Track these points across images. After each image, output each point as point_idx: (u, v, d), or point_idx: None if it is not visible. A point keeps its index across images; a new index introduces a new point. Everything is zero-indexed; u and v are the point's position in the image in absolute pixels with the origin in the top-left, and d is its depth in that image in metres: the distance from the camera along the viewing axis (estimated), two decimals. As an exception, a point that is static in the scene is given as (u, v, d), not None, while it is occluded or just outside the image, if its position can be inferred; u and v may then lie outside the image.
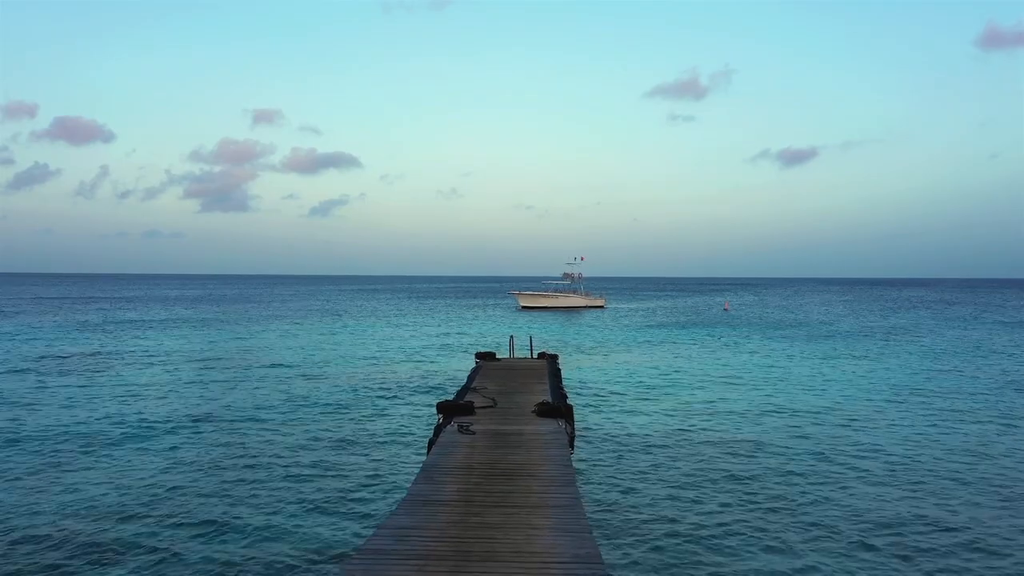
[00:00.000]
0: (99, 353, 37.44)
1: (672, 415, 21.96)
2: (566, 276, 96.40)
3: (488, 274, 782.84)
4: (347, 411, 22.24)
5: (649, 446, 17.75)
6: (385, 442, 18.14)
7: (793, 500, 13.65)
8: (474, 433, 13.56)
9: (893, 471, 15.81)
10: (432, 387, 27.11)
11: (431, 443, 13.58)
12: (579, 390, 26.08)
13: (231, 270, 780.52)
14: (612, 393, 25.98)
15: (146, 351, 38.85)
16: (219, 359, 35.74)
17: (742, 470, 15.72)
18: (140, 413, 21.70)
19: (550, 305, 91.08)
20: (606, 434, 19.05)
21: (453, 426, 14.11)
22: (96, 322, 60.16)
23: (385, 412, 22.11)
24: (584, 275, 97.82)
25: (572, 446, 14.77)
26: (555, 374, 22.07)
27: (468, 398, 17.52)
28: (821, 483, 14.84)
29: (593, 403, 23.79)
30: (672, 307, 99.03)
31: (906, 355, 39.47)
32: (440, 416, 15.37)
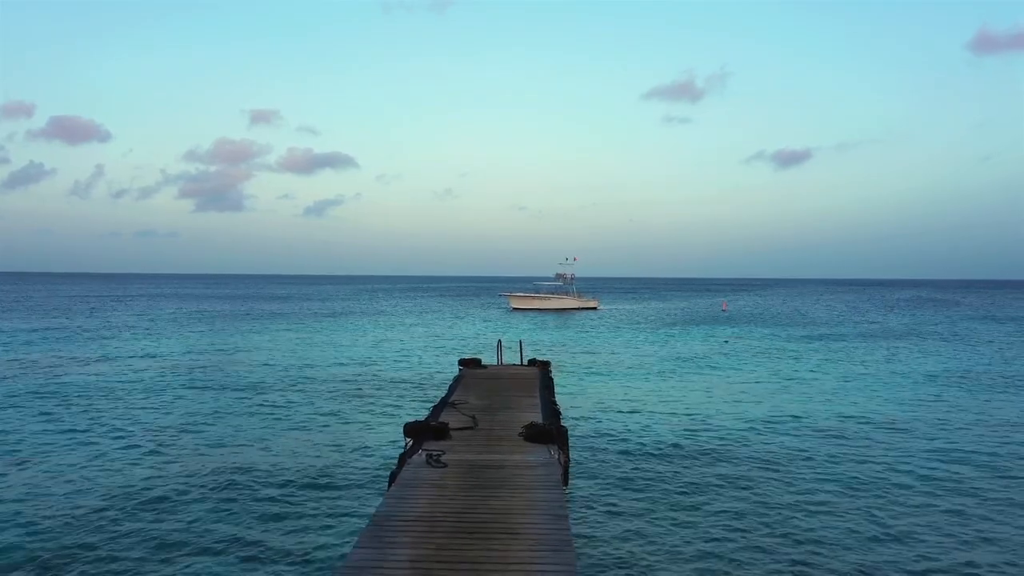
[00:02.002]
0: (62, 360, 34.76)
1: (681, 432, 19.43)
2: (559, 277, 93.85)
3: (486, 274, 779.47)
4: (305, 432, 19.36)
5: (660, 476, 15.20)
6: (340, 476, 14.99)
7: (854, 550, 11.13)
8: (445, 465, 11.01)
9: (936, 492, 13.32)
10: (409, 399, 24.49)
11: (393, 477, 11.02)
12: (573, 403, 23.54)
13: (226, 270, 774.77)
14: (611, 406, 23.46)
15: (109, 359, 36.18)
16: (188, 365, 33.09)
17: (788, 514, 13.16)
18: (81, 427, 19.08)
19: (542, 307, 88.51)
20: (607, 462, 16.45)
21: (421, 455, 11.55)
22: (70, 324, 57.35)
23: (349, 433, 19.25)
24: (576, 276, 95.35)
25: (566, 480, 12.25)
26: (547, 385, 19.51)
27: (444, 415, 14.97)
28: (889, 533, 12.32)
29: (589, 420, 21.24)
30: (668, 308, 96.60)
31: (926, 355, 37.09)
32: (407, 440, 12.82)
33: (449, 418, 14.55)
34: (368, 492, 13.69)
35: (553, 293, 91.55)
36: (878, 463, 16.28)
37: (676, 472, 15.30)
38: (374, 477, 14.69)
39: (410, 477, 10.41)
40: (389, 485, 10.82)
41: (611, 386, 27.53)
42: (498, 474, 10.57)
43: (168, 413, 21.53)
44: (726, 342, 47.02)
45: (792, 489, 14.11)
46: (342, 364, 33.83)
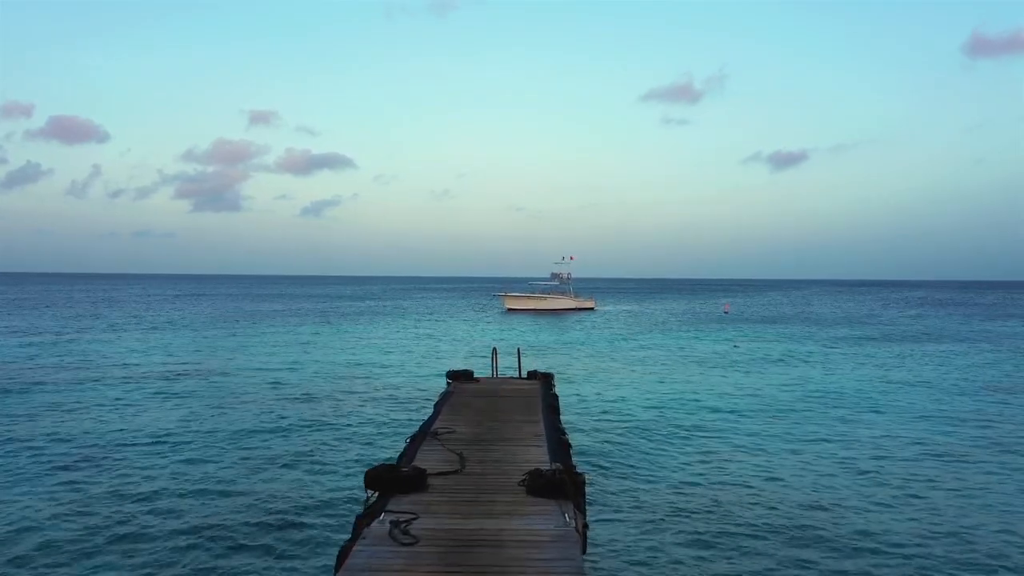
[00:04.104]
0: (35, 366, 31.43)
1: (710, 461, 16.27)
2: (554, 276, 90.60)
3: (484, 275, 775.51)
4: (243, 480, 14.89)
5: (695, 528, 12.00)
6: (274, 550, 11.09)
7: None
8: (416, 540, 7.78)
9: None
10: (385, 423, 20.79)
11: (343, 555, 7.78)
12: (579, 424, 20.29)
13: (223, 270, 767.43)
14: (621, 425, 20.27)
15: (85, 364, 32.86)
16: (158, 374, 29.79)
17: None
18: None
19: (537, 307, 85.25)
20: (626, 514, 13.23)
21: (384, 523, 8.31)
22: (59, 326, 53.91)
23: (302, 479, 15.07)
24: (574, 276, 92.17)
25: (584, 548, 9.03)
26: (550, 404, 16.30)
27: (424, 451, 11.75)
28: None
29: (599, 445, 18.04)
30: (668, 310, 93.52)
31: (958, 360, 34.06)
32: (369, 494, 9.58)
33: (429, 456, 11.34)
34: None
35: (549, 293, 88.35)
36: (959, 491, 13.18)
37: (714, 517, 12.15)
38: (320, 548, 11.23)
39: (363, 563, 7.17)
40: (336, 570, 7.61)
41: (618, 400, 24.37)
42: (491, 556, 7.35)
43: (123, 429, 18.32)
44: (736, 346, 43.94)
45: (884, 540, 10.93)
46: (321, 375, 30.52)
